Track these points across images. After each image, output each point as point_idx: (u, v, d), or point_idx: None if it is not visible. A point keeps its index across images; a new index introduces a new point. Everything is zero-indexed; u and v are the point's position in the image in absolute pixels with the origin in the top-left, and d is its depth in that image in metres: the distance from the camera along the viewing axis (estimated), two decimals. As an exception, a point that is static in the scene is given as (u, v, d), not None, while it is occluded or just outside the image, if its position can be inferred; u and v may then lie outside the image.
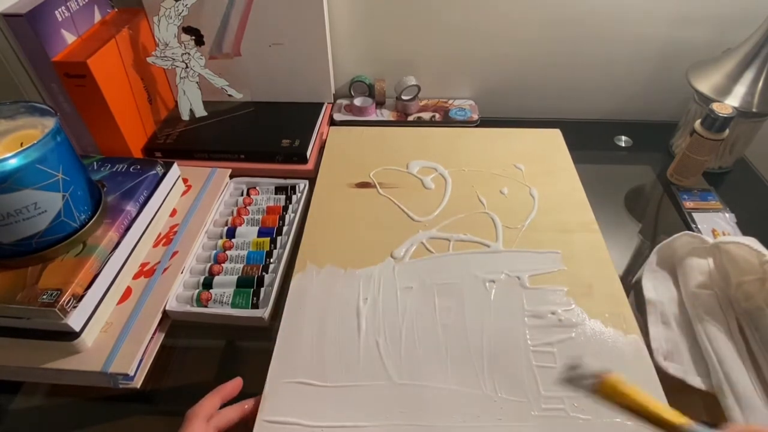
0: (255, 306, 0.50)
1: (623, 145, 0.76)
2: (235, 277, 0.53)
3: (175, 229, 0.57)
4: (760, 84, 0.62)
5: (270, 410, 0.42)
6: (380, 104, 0.80)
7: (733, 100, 0.62)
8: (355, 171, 0.66)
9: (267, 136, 0.71)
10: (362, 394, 0.43)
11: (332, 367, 0.45)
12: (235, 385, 0.43)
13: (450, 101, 0.81)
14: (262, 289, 0.52)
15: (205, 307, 0.50)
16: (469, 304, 0.50)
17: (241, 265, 0.54)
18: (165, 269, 0.53)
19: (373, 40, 0.76)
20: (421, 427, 0.41)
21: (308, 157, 0.68)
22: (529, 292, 0.51)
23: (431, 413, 0.42)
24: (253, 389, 0.43)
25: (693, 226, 0.61)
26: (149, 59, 0.66)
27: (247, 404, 0.42)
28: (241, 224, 0.59)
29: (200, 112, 0.73)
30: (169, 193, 0.59)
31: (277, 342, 0.47)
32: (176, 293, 0.51)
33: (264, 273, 0.53)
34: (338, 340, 0.47)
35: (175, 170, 0.60)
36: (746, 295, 0.47)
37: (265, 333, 0.49)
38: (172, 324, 0.51)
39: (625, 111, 0.81)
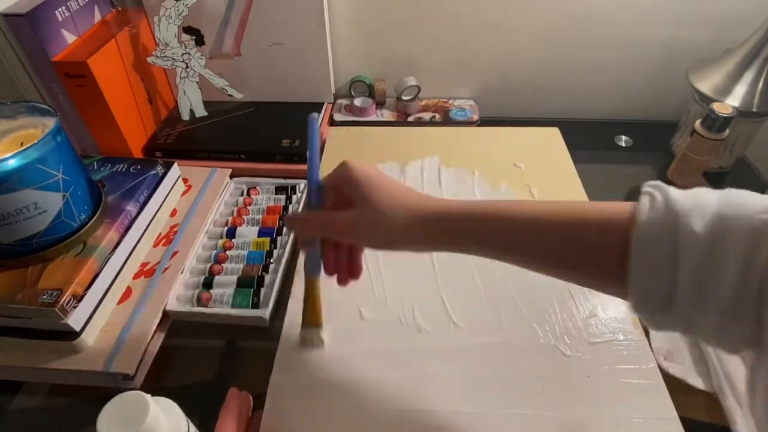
0: (255, 306, 0.50)
1: (623, 145, 0.76)
2: (235, 277, 0.53)
3: (175, 229, 0.57)
4: (760, 84, 0.62)
5: (273, 410, 0.42)
6: (380, 104, 0.80)
7: (734, 100, 0.62)
8: (356, 171, 0.66)
9: (267, 136, 0.71)
10: (367, 388, 0.43)
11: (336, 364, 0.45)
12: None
13: (450, 101, 0.81)
14: (263, 289, 0.52)
15: (206, 307, 0.50)
16: (471, 301, 0.50)
17: (242, 265, 0.54)
18: (165, 269, 0.53)
19: (373, 40, 0.76)
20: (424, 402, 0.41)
21: (308, 157, 0.68)
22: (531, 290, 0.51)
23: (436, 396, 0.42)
24: (254, 389, 0.43)
25: (693, 226, 0.60)
26: (149, 59, 0.66)
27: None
28: (241, 224, 0.59)
29: (200, 112, 0.73)
30: (169, 193, 0.58)
31: (280, 343, 0.47)
32: (176, 293, 0.51)
33: (264, 273, 0.53)
34: (342, 341, 0.47)
35: (175, 170, 0.60)
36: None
37: (266, 333, 0.49)
38: (172, 324, 0.51)
39: (625, 111, 0.81)
